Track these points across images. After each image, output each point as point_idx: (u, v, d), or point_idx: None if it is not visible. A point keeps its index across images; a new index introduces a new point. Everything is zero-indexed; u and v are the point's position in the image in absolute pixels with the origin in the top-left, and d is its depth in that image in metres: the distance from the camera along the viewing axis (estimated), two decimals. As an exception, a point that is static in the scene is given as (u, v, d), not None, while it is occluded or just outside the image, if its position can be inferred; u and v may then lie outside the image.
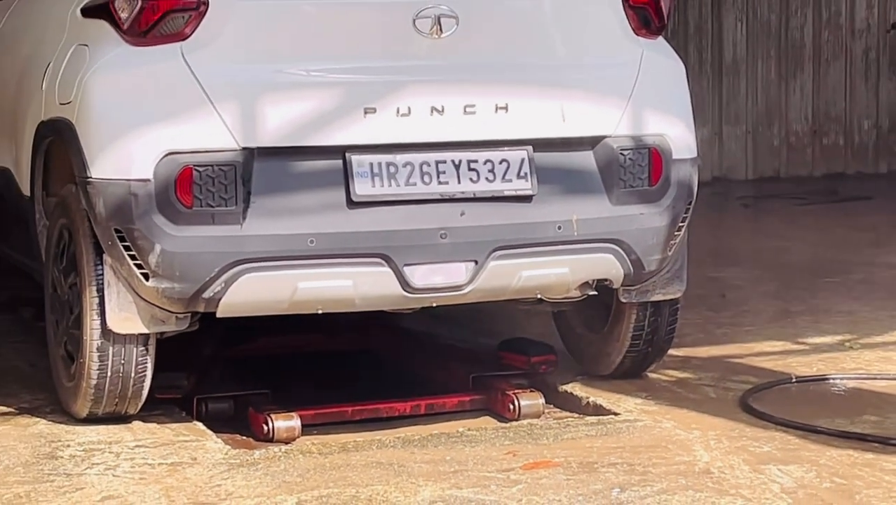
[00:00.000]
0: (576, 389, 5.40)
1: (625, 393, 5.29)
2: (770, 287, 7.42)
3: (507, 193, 4.86)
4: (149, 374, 4.86)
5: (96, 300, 4.75)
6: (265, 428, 4.89)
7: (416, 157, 4.78)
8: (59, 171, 5.13)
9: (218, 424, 5.04)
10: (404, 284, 4.75)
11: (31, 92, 5.22)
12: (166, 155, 4.59)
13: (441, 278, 4.80)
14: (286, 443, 4.84)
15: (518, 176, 4.86)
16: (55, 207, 5.09)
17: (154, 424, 4.92)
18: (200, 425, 4.94)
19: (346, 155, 4.72)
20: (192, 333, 4.88)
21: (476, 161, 4.83)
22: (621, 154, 5.00)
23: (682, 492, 4.19)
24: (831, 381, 5.51)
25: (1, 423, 4.98)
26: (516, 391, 5.22)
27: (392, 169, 4.75)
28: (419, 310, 5.03)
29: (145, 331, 4.77)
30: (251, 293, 4.67)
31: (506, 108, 4.87)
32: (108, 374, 4.79)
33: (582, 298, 5.20)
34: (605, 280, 5.09)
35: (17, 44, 5.67)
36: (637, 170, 5.02)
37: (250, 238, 4.63)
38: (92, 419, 4.89)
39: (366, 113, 4.74)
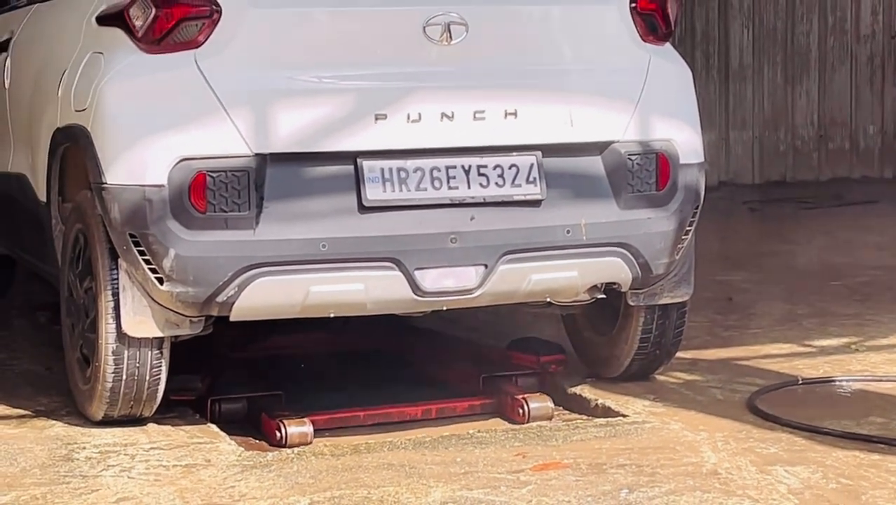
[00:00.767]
0: (585, 391, 5.40)
1: (633, 395, 5.28)
2: (776, 290, 7.42)
3: (516, 198, 4.85)
4: (163, 377, 4.86)
5: (111, 304, 4.76)
6: (278, 434, 4.89)
7: (427, 163, 4.78)
8: (74, 176, 5.14)
9: (232, 426, 5.04)
10: (415, 287, 4.75)
11: (47, 99, 5.23)
12: (180, 161, 4.60)
13: (451, 282, 4.80)
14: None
15: (527, 181, 4.86)
16: (71, 213, 5.10)
17: (168, 427, 4.92)
18: (214, 428, 4.95)
19: (358, 160, 4.73)
20: (205, 336, 4.88)
21: (486, 166, 4.83)
22: (629, 159, 5.00)
23: (690, 493, 4.18)
24: (837, 383, 5.50)
25: (18, 425, 4.99)
26: (526, 395, 5.22)
27: (403, 174, 4.75)
28: (429, 313, 5.03)
29: (160, 334, 4.77)
30: (264, 297, 4.67)
31: (515, 113, 4.87)
32: (124, 377, 4.80)
33: (590, 302, 5.21)
34: (614, 284, 5.09)
35: (33, 52, 5.68)
36: (645, 175, 5.02)
37: (263, 243, 4.63)
38: (107, 422, 4.90)
39: (377, 119, 4.74)
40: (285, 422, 4.90)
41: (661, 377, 5.54)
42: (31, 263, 5.95)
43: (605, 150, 5.00)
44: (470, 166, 4.82)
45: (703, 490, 4.20)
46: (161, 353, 4.83)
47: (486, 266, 4.81)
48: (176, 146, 4.62)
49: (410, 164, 4.77)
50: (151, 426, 4.91)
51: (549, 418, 5.17)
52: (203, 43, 4.68)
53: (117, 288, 4.74)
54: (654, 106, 5.08)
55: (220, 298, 4.65)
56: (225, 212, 4.62)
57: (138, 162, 4.64)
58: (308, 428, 4.90)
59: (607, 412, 5.17)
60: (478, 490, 4.23)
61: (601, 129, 5.00)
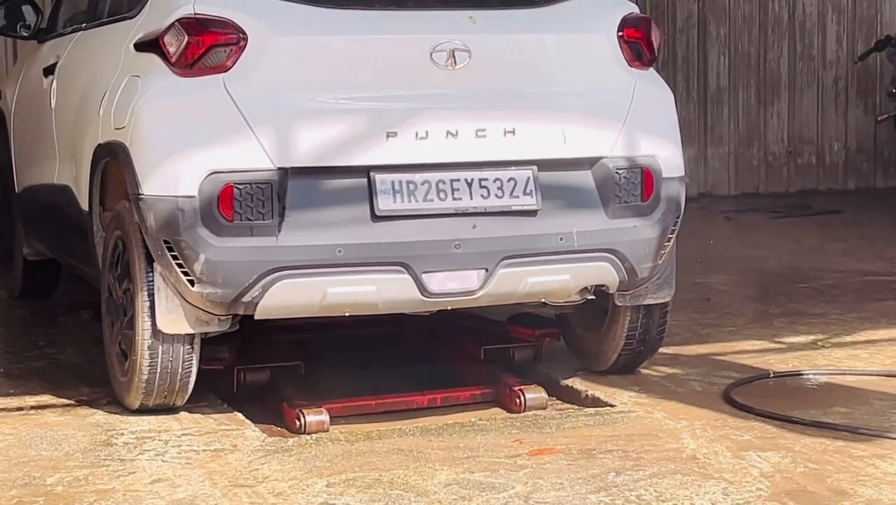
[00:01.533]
0: (576, 383, 5.38)
1: (620, 387, 5.27)
2: (750, 292, 7.40)
3: (514, 208, 4.84)
4: (194, 369, 4.85)
5: (147, 304, 4.75)
6: (298, 423, 4.87)
7: (433, 176, 4.77)
8: (114, 188, 5.13)
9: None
10: (422, 289, 4.74)
11: (89, 118, 5.22)
12: (210, 174, 4.59)
13: (455, 284, 4.79)
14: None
15: (524, 193, 4.85)
16: (111, 221, 5.09)
17: (199, 415, 4.91)
18: (240, 416, 4.93)
19: (371, 174, 4.72)
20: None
21: (487, 179, 4.82)
22: (617, 173, 4.99)
23: (671, 476, 4.17)
24: (805, 376, 5.49)
25: (62, 413, 4.98)
26: (522, 386, 5.21)
27: (411, 186, 4.74)
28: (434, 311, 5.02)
29: (191, 331, 4.77)
30: (285, 298, 4.67)
31: (513, 132, 4.86)
32: (158, 369, 4.79)
33: (581, 302, 5.20)
34: (603, 286, 5.08)
35: (77, 75, 5.67)
36: (631, 187, 5.01)
37: (285, 248, 4.63)
38: (143, 410, 4.89)
39: (388, 136, 4.74)
40: (304, 411, 4.89)
41: (646, 371, 5.52)
42: (75, 266, 5.94)
43: (595, 164, 4.99)
44: (472, 179, 4.81)
45: (684, 473, 4.19)
46: (192, 348, 4.82)
47: (486, 270, 4.80)
48: (206, 161, 4.61)
49: (418, 177, 4.76)
50: (183, 414, 4.91)
51: (544, 408, 5.16)
52: (231, 67, 4.67)
53: (152, 289, 4.73)
54: (640, 125, 5.07)
55: (245, 299, 4.64)
56: (250, 220, 4.61)
57: (172, 175, 4.63)
58: (325, 417, 4.89)
59: (596, 403, 5.15)
60: (479, 473, 4.22)
61: (591, 146, 4.99)
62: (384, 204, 4.71)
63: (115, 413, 4.93)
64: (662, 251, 5.11)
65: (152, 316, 4.74)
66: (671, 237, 5.15)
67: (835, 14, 11.81)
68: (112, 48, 5.24)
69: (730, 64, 11.57)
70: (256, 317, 4.73)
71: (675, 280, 5.33)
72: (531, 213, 4.87)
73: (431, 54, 4.78)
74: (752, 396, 5.08)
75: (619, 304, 5.23)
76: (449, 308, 4.91)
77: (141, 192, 4.68)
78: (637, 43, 5.15)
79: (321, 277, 4.67)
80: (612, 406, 5.05)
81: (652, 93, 5.17)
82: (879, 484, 4.09)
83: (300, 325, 5.38)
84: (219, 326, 4.78)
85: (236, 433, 4.70)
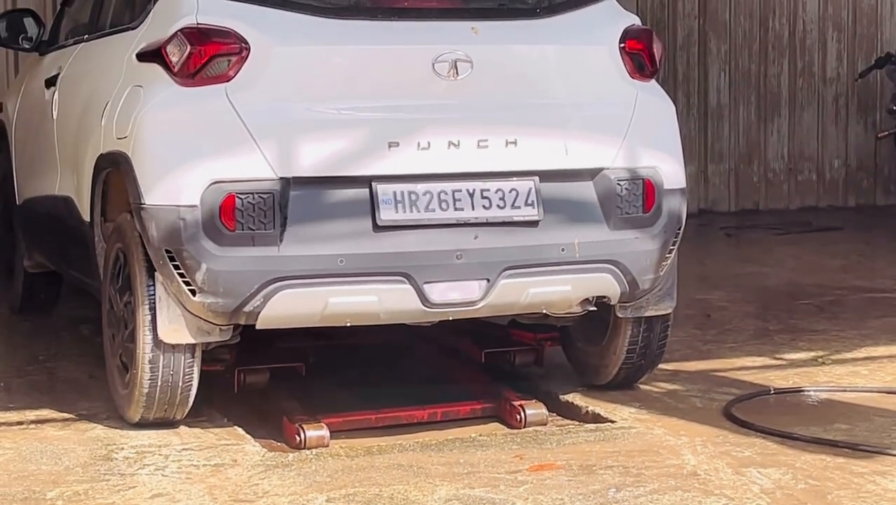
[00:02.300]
0: (576, 399, 5.36)
1: (620, 403, 5.24)
2: (750, 308, 7.38)
3: (516, 219, 4.82)
4: (195, 382, 4.82)
5: (148, 317, 4.72)
6: (297, 438, 4.83)
7: (435, 187, 4.75)
8: (115, 199, 5.12)
9: (255, 428, 5.01)
10: (424, 299, 4.72)
11: (91, 128, 5.20)
12: (212, 184, 4.57)
13: (457, 295, 4.77)
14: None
15: (526, 203, 4.83)
16: (112, 232, 5.06)
17: (199, 429, 4.88)
18: (240, 430, 4.90)
19: (372, 184, 4.70)
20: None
21: (488, 190, 4.80)
22: (618, 184, 4.97)
23: (672, 492, 4.14)
24: (806, 393, 5.46)
25: (62, 427, 4.95)
26: (523, 402, 5.18)
27: (413, 197, 4.72)
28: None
29: (192, 341, 4.74)
30: (287, 308, 4.64)
31: (515, 142, 4.84)
32: (159, 383, 4.76)
33: (583, 314, 5.17)
34: (604, 297, 5.05)
35: (79, 85, 5.66)
36: (632, 199, 4.99)
37: (286, 258, 4.60)
38: (144, 424, 4.86)
39: (390, 147, 4.72)
40: (304, 426, 4.85)
41: (646, 387, 5.49)
42: (76, 277, 5.91)
43: (597, 176, 4.97)
44: (474, 190, 4.79)
45: (684, 490, 4.16)
46: (193, 360, 4.79)
47: (488, 280, 4.78)
48: (208, 170, 4.59)
49: (420, 187, 4.74)
50: (183, 429, 4.87)
51: (544, 424, 5.13)
52: (233, 77, 4.66)
53: (154, 302, 4.71)
54: (641, 136, 5.05)
55: (247, 308, 4.61)
56: (252, 230, 4.59)
57: (174, 184, 4.61)
58: (325, 431, 4.85)
59: (597, 418, 5.12)
60: (479, 489, 4.19)
61: (593, 157, 4.97)
62: (386, 214, 4.69)
63: (116, 428, 4.90)
64: (664, 263, 5.09)
65: (153, 329, 4.71)
66: (672, 249, 5.12)
67: (835, 31, 11.81)
68: (114, 59, 5.23)
69: (730, 80, 11.57)
70: (258, 327, 4.70)
71: (676, 294, 5.30)
72: (533, 223, 4.85)
73: (434, 65, 4.76)
74: (752, 413, 5.05)
75: (621, 315, 5.21)
76: (450, 318, 4.88)
77: (143, 201, 4.66)
78: (639, 55, 5.13)
79: (322, 287, 4.64)
80: (612, 422, 5.02)
81: (653, 104, 5.16)
82: (880, 501, 4.07)
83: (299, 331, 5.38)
84: (220, 335, 4.75)
85: (236, 448, 4.66)
